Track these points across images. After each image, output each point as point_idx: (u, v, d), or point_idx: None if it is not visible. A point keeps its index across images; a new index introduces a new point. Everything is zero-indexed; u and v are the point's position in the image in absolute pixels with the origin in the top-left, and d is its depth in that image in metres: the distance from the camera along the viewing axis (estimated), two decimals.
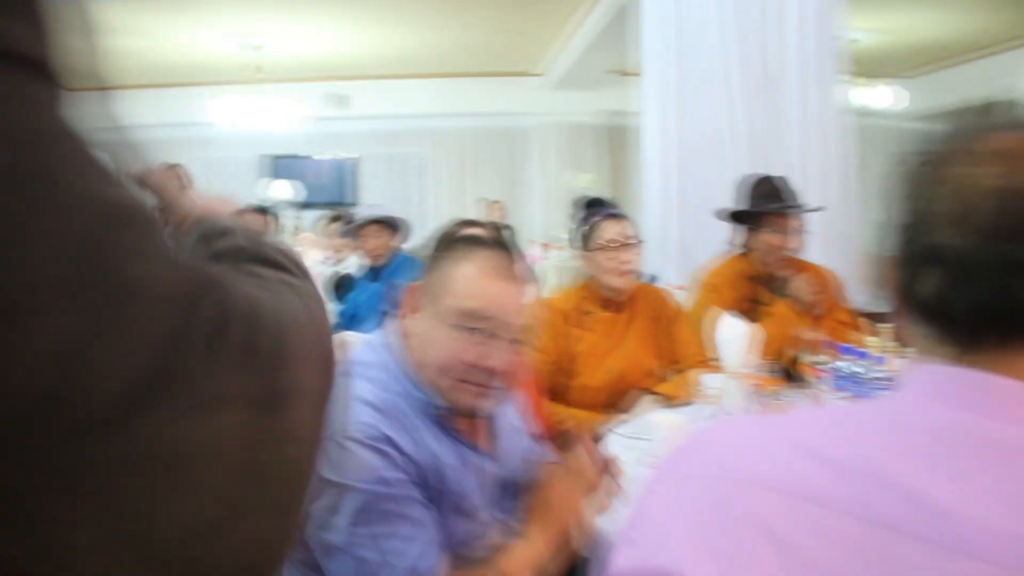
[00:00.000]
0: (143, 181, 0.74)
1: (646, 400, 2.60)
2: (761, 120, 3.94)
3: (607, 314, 2.75)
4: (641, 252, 2.74)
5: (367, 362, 1.47)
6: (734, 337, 2.22)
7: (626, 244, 2.68)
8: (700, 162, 4.03)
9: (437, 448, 1.41)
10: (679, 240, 4.11)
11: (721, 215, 3.13)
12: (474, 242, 1.49)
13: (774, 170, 3.19)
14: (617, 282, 2.69)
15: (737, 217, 3.06)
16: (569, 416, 2.53)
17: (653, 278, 4.12)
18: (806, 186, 3.26)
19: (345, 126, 10.57)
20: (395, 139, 11.01)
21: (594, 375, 2.68)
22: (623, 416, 2.52)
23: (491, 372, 1.40)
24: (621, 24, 5.83)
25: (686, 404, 2.51)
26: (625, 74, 8.67)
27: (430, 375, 1.42)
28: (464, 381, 1.40)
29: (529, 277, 1.47)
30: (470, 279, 1.41)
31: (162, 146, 10.57)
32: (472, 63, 9.55)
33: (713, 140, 4.00)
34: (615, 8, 6.05)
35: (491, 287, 1.40)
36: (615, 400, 2.63)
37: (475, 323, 1.39)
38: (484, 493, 1.50)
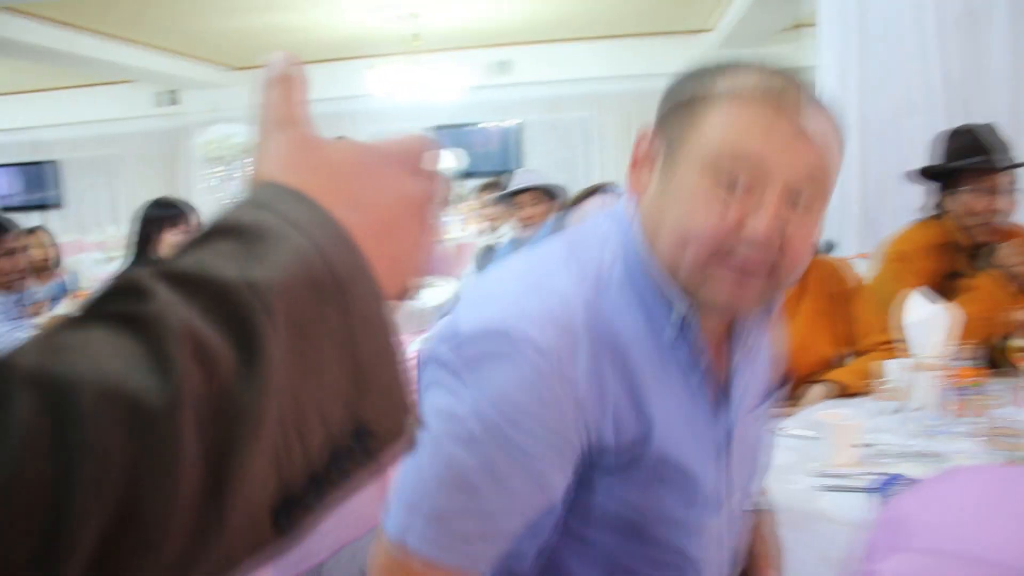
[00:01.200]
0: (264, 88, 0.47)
1: (817, 389, 2.27)
2: (961, 66, 3.43)
3: None
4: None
5: (578, 241, 1.01)
6: (925, 318, 1.84)
7: None
8: (885, 118, 3.60)
9: (655, 392, 0.94)
10: (861, 203, 3.70)
11: (912, 175, 2.68)
12: (736, 66, 0.96)
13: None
14: None
15: (932, 175, 2.59)
16: None
17: (830, 246, 3.73)
18: (1017, 140, 2.75)
19: (508, 93, 10.46)
20: (559, 105, 10.80)
21: None
22: (789, 408, 2.20)
23: (756, 244, 0.89)
24: None
25: (864, 396, 2.16)
26: (800, 26, 8.08)
27: (667, 253, 0.94)
28: (716, 258, 0.90)
29: (824, 115, 0.94)
30: (725, 110, 0.92)
31: (323, 121, 10.85)
32: (637, 22, 9.18)
33: (901, 92, 3.54)
34: None
35: (757, 120, 0.90)
36: (781, 388, 2.31)
37: (732, 170, 0.90)
38: (718, 465, 1.01)
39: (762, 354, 1.11)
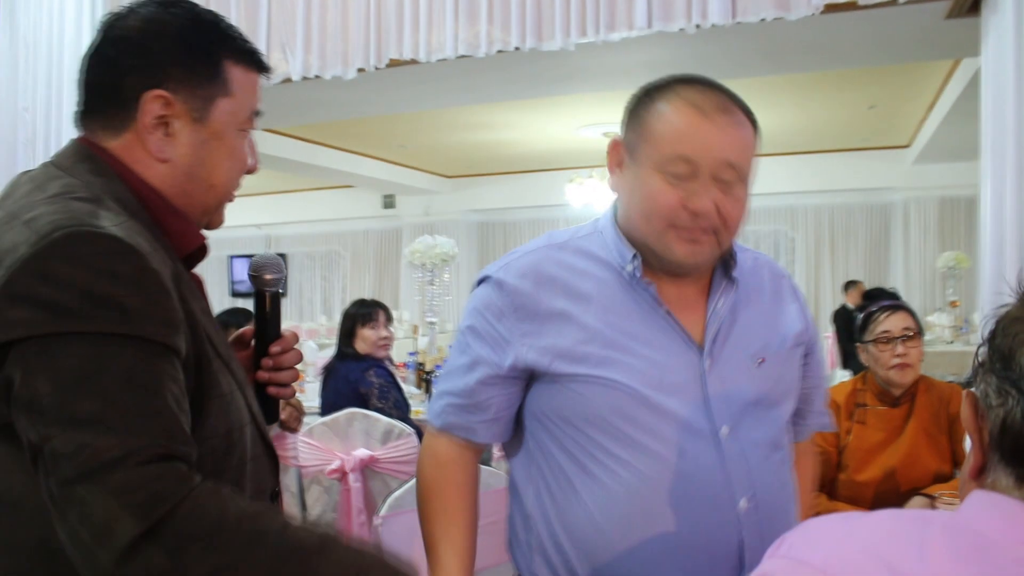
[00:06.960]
0: None
1: (915, 501, 2.37)
2: None
3: (883, 408, 2.60)
4: (921, 346, 2.60)
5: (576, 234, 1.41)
6: None
7: (903, 337, 2.56)
8: None
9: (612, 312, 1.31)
10: None
11: None
12: (676, 80, 1.30)
13: None
14: (892, 376, 2.55)
15: None
16: (831, 510, 2.38)
17: None
18: None
19: None
20: (753, 217, 10.81)
21: (864, 470, 2.53)
22: None
23: (699, 214, 1.23)
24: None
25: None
26: None
27: (637, 227, 1.30)
28: (671, 227, 1.25)
29: (738, 116, 1.27)
30: (666, 119, 1.26)
31: (525, 226, 11.58)
32: (832, 138, 9.20)
33: None
34: (971, 72, 5.56)
35: (686, 128, 1.24)
36: (886, 499, 2.45)
37: (675, 167, 1.24)
38: (694, 388, 1.29)
39: (758, 319, 1.39)
